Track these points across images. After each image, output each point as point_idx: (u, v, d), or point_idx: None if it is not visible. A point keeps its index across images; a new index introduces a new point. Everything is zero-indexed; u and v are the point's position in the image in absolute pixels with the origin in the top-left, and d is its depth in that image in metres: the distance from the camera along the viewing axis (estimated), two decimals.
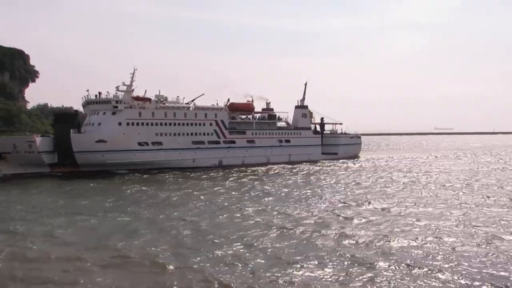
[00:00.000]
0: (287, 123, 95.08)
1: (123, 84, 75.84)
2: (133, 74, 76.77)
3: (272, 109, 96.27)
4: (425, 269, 22.89)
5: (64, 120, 70.05)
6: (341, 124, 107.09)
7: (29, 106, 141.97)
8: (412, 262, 24.03)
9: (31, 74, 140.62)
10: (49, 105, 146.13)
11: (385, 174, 67.78)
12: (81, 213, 37.68)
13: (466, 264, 23.86)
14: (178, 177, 64.57)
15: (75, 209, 39.67)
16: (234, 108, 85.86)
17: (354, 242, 28.32)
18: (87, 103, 74.82)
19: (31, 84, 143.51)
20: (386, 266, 23.42)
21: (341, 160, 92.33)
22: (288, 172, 72.38)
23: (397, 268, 23.22)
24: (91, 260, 24.58)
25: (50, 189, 54.28)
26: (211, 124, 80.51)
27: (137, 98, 74.84)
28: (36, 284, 21.39)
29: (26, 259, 25.08)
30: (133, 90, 76.00)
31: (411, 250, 26.34)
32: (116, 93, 73.72)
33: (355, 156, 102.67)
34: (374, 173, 69.16)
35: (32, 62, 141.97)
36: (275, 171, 73.41)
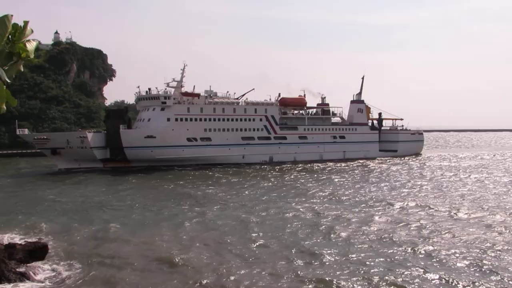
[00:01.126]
0: (342, 118, 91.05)
1: (173, 80, 75.94)
2: (183, 70, 76.73)
3: (327, 105, 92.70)
4: None
5: (114, 117, 71.15)
6: (401, 119, 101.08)
7: (107, 103, 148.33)
8: None
9: (109, 73, 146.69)
10: (125, 101, 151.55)
11: (451, 175, 62.28)
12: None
13: None
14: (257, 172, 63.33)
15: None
16: (285, 103, 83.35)
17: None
18: (138, 99, 75.66)
19: (109, 82, 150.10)
20: None
21: (405, 157, 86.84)
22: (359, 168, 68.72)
23: None
24: None
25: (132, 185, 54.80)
26: (261, 120, 78.57)
27: (186, 94, 74.52)
28: None
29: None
30: (182, 86, 75.81)
31: None
32: (165, 89, 73.86)
33: (416, 154, 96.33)
34: (436, 172, 63.76)
35: (109, 61, 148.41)
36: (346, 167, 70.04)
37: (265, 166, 72.08)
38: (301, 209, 36.33)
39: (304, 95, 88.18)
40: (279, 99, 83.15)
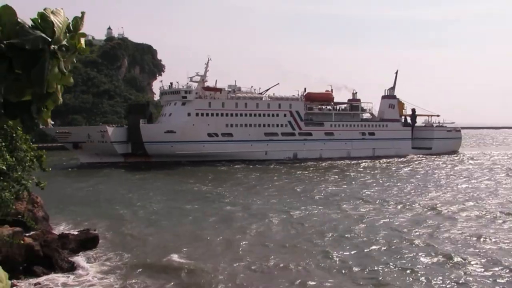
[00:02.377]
0: (372, 114, 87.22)
1: (197, 74, 75.04)
2: (207, 64, 75.72)
3: (358, 100, 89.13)
4: None
5: (135, 111, 71.00)
6: (438, 116, 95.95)
7: (156, 97, 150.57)
8: None
9: (158, 68, 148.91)
10: None
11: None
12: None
13: None
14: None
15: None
16: (311, 98, 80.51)
17: None
18: (162, 94, 75.30)
19: (158, 77, 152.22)
20: None
21: (446, 156, 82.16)
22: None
23: None
24: None
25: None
26: (285, 115, 76.23)
27: (208, 88, 73.35)
28: None
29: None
30: (204, 81, 74.73)
31: None
32: (188, 83, 73.03)
33: (453, 152, 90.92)
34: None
35: (159, 56, 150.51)
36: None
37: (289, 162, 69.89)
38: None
39: (332, 90, 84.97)
40: (304, 94, 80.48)
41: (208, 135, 70.54)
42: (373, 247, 24.57)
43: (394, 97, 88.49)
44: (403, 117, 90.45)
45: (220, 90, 74.17)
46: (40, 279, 18.87)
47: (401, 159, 77.64)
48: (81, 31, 1.99)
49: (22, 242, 18.73)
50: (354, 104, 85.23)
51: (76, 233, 24.94)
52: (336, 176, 55.62)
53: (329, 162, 72.24)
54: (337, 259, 22.55)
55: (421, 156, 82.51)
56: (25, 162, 14.84)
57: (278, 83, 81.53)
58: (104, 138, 66.66)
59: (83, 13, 2.04)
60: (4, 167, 12.90)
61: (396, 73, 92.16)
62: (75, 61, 2.01)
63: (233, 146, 71.77)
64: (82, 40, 2.02)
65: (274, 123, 75.26)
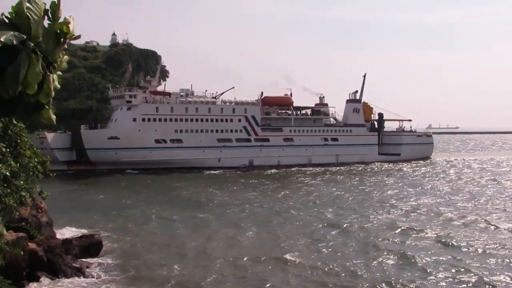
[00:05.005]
0: (335, 119, 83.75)
1: (148, 78, 72.35)
2: (159, 66, 73.13)
3: (326, 105, 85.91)
4: None
5: (78, 116, 67.96)
6: (409, 120, 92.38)
7: None
8: None
9: (162, 74, 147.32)
10: None
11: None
12: None
13: None
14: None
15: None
16: (268, 103, 77.10)
17: None
18: (110, 98, 72.48)
19: (162, 83, 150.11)
20: None
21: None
22: None
23: None
24: None
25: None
26: (239, 120, 72.88)
27: (155, 93, 70.38)
28: None
29: None
30: (159, 84, 71.97)
31: None
32: (134, 88, 70.20)
33: (425, 158, 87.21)
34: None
35: (163, 62, 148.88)
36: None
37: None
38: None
39: (291, 94, 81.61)
40: (261, 98, 77.16)
41: (155, 141, 67.22)
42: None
43: (359, 101, 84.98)
44: (370, 122, 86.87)
45: (169, 94, 71.08)
46: (44, 285, 19.13)
47: (353, 167, 73.52)
48: (60, 20, 1.83)
49: (21, 252, 17.98)
50: (315, 109, 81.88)
51: (79, 238, 24.76)
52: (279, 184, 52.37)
53: (285, 169, 68.91)
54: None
55: (385, 162, 78.93)
56: (29, 168, 14.82)
57: (233, 87, 78.39)
58: (44, 144, 63.24)
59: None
60: (8, 173, 12.54)
61: (364, 76, 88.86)
62: (66, 56, 1.99)
63: (183, 152, 68.35)
64: (71, 27, 1.88)
65: (228, 128, 71.91)
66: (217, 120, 71.26)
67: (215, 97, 75.19)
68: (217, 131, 71.10)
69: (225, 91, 77.36)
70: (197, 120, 69.94)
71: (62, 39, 1.90)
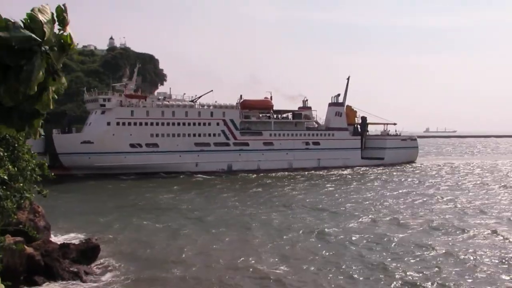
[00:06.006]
0: (317, 123, 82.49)
1: (124, 81, 71.21)
2: (136, 69, 72.01)
3: (309, 108, 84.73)
4: None
5: (51, 120, 66.55)
6: (394, 124, 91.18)
7: None
8: None
9: (160, 77, 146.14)
10: None
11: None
12: None
13: None
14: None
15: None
16: (247, 106, 75.77)
17: None
18: (85, 102, 71.29)
19: (160, 87, 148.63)
20: None
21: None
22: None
23: None
24: None
25: None
26: (218, 124, 71.57)
27: (130, 96, 69.07)
28: None
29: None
30: (133, 88, 70.65)
31: None
32: (108, 91, 69.02)
33: (409, 162, 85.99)
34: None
35: (161, 66, 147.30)
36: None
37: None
38: None
39: (271, 97, 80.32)
40: (240, 102, 75.91)
41: (130, 145, 65.90)
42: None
43: (341, 104, 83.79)
44: (353, 126, 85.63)
45: (145, 97, 69.87)
46: None
47: (335, 171, 72.34)
48: (68, 30, 1.87)
49: (25, 247, 18.90)
50: (296, 112, 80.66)
51: (77, 242, 24.95)
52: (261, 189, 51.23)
53: (265, 174, 67.61)
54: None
55: (369, 167, 77.73)
56: (27, 171, 14.71)
57: (212, 90, 77.03)
58: None
59: (65, 5, 1.91)
60: (5, 177, 12.71)
61: (348, 79, 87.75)
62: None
63: (159, 157, 67.03)
64: (73, 41, 1.93)
65: (205, 132, 70.62)
66: (194, 124, 69.96)
67: (193, 101, 73.90)
68: (194, 135, 69.79)
69: (203, 94, 76.25)
70: (173, 124, 68.63)
71: (65, 49, 1.89)
